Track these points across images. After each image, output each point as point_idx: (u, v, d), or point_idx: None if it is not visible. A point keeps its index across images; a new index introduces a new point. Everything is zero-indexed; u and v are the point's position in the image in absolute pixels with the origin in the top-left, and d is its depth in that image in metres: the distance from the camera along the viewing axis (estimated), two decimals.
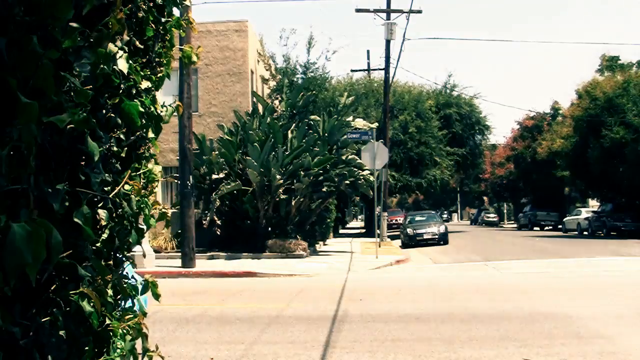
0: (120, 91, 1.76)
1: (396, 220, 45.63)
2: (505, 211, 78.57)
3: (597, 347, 6.41)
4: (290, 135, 19.86)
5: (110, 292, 1.85)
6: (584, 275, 13.19)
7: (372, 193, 20.30)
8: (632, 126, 30.06)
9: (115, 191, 1.76)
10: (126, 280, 2.14)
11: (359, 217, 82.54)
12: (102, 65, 1.49)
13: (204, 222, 18.75)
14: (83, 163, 1.47)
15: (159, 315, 8.26)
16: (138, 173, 2.18)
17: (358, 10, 26.55)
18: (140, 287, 2.15)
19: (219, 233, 19.17)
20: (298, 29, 72.75)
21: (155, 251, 17.47)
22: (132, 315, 2.13)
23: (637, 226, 29.94)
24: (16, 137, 1.07)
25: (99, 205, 1.68)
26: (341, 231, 43.41)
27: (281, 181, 18.34)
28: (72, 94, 1.34)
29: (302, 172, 18.52)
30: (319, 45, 48.39)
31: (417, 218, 29.98)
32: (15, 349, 1.21)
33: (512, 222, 67.66)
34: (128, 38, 1.86)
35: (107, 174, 1.70)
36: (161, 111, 2.21)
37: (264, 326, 7.70)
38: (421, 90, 38.53)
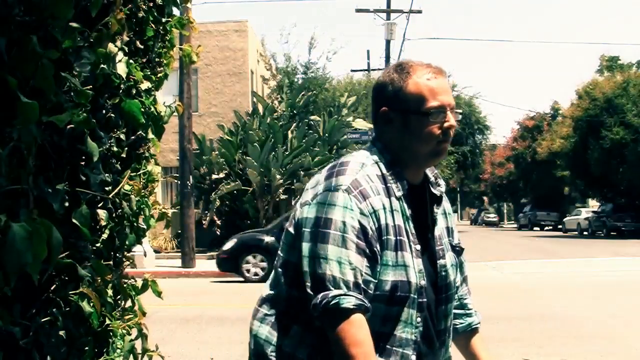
0: (120, 91, 1.76)
1: None
2: (505, 211, 78.56)
3: (597, 347, 6.42)
4: (290, 136, 19.86)
5: (110, 292, 1.85)
6: (584, 275, 13.19)
7: None
8: (631, 126, 30.05)
9: (115, 191, 1.76)
10: (126, 281, 2.14)
11: None
12: (102, 65, 1.49)
13: (204, 222, 18.75)
14: (83, 163, 1.47)
15: (159, 315, 8.26)
16: (138, 173, 2.19)
17: (358, 10, 26.54)
18: None
19: (218, 233, 19.17)
20: (299, 28, 72.74)
21: (155, 251, 17.46)
22: (132, 315, 2.13)
23: (637, 226, 29.92)
24: (16, 137, 1.07)
25: (99, 206, 1.68)
26: None
27: (281, 181, 18.34)
28: (72, 94, 1.34)
29: (302, 172, 18.51)
30: (320, 45, 48.73)
31: None
32: (15, 349, 1.21)
33: (512, 222, 67.62)
34: (128, 38, 1.87)
35: (107, 174, 1.70)
36: (161, 111, 2.20)
37: None
38: None
